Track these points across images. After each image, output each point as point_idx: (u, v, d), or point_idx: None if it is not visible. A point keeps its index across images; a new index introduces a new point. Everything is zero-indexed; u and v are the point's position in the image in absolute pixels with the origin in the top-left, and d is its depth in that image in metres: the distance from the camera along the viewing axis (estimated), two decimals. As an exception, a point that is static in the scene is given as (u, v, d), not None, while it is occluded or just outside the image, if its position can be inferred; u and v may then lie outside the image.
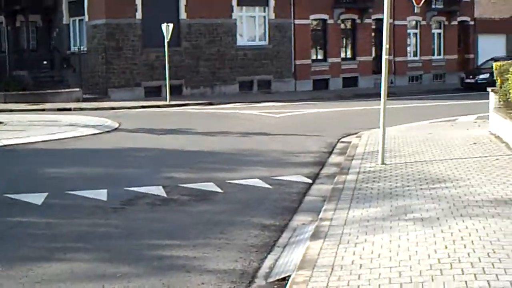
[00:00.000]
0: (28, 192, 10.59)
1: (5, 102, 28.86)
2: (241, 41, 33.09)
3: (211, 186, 11.04)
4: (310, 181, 11.64)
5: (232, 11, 32.62)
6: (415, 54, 39.48)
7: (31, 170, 12.95)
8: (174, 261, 7.26)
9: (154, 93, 30.19)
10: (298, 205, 9.94)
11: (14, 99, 29.26)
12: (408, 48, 38.97)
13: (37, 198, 10.20)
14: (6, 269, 6.97)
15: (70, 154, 15.11)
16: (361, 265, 6.31)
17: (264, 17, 33.87)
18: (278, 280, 6.65)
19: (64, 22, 32.79)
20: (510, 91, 13.26)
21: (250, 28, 33.71)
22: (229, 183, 11.36)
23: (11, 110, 26.20)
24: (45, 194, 10.45)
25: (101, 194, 10.46)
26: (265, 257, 7.42)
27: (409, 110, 24.48)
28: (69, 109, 26.39)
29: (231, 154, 14.73)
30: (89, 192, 10.60)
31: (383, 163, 11.91)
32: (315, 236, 7.45)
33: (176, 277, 6.76)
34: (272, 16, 33.78)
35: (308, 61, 35.09)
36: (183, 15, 31.25)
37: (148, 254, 7.53)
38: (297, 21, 34.46)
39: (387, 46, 11.81)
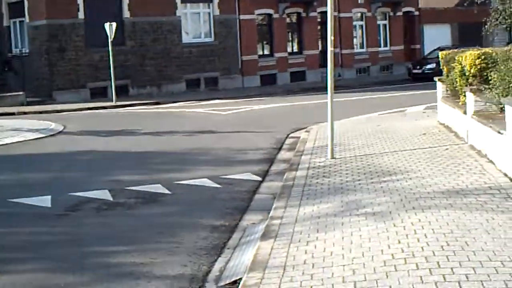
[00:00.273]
0: (-35, 202, 10.19)
1: None
2: (186, 38, 32.74)
3: (158, 188, 10.77)
4: (259, 178, 11.45)
5: (176, 8, 32.23)
6: (361, 46, 39.55)
7: (-29, 178, 12.51)
8: (121, 269, 7.00)
9: (100, 94, 29.64)
10: (248, 204, 9.75)
11: (-46, 104, 28.46)
12: (355, 40, 39.02)
13: (-23, 208, 9.82)
14: None
15: (12, 160, 14.65)
16: (313, 264, 6.14)
17: (209, 13, 33.56)
18: (229, 283, 6.44)
19: (5, 24, 32.02)
20: (457, 80, 13.26)
21: (195, 25, 33.37)
22: (177, 184, 11.11)
23: (-48, 116, 25.47)
24: (-15, 203, 10.07)
25: (45, 201, 10.11)
26: (215, 260, 7.21)
27: (358, 102, 24.49)
28: (13, 113, 25.72)
29: (179, 154, 14.46)
30: (32, 199, 10.23)
31: (332, 157, 11.77)
32: (265, 235, 7.26)
33: (123, 285, 6.51)
34: (217, 12, 33.49)
35: (255, 57, 34.90)
36: (126, 13, 30.77)
37: (94, 262, 7.25)
38: (242, 17, 34.24)
39: (332, 38, 11.67)
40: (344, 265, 6.01)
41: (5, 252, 7.68)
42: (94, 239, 8.14)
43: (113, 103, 27.38)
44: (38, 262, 7.29)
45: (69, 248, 7.76)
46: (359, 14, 39.11)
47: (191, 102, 27.69)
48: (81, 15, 29.37)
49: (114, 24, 27.08)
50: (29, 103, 28.30)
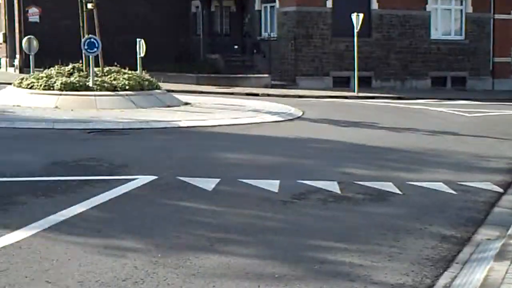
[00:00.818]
0: (200, 177, 10.35)
1: (197, 84, 29.58)
2: (435, 34, 31.70)
3: (389, 186, 10.25)
4: (501, 190, 10.51)
5: (426, 3, 31.31)
6: None
7: (206, 154, 12.81)
8: (337, 267, 6.63)
9: (342, 83, 29.62)
10: (485, 216, 8.91)
11: (206, 81, 29.92)
12: None
13: (208, 184, 9.92)
14: (163, 256, 6.67)
15: (248, 140, 14.89)
16: (554, 298, 5.36)
17: (461, 10, 32.22)
18: (452, 303, 5.83)
19: (256, 8, 32.99)
20: None
21: (445, 21, 32.18)
22: (410, 184, 10.52)
23: (201, 92, 26.73)
24: (217, 180, 10.16)
25: (273, 185, 10.00)
26: (441, 274, 6.58)
27: None
28: (257, 95, 26.47)
29: (415, 153, 13.82)
30: (261, 181, 10.18)
31: None
32: (500, 255, 6.52)
33: (337, 285, 6.13)
34: (470, 9, 32.05)
35: (508, 59, 32.92)
36: (374, 5, 30.41)
37: (310, 255, 6.95)
38: (497, 16, 32.41)
39: None
40: None
41: (226, 233, 7.62)
42: (315, 231, 7.85)
43: (354, 94, 27.21)
44: (255, 248, 7.14)
45: (288, 238, 7.54)
46: None
47: (434, 100, 26.73)
48: (329, 4, 29.50)
49: (361, 15, 26.80)
50: (273, 86, 28.96)
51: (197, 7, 35.23)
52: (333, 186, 10.11)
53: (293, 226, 8.04)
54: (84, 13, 20.61)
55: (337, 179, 10.62)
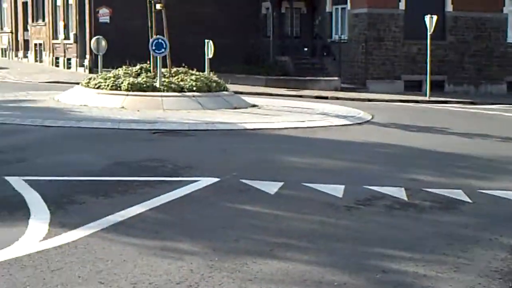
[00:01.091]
0: (263, 180, 10.17)
1: (266, 86, 29.50)
2: (512, 37, 30.81)
3: (459, 194, 9.85)
4: None
5: (504, 5, 30.39)
6: None
7: (270, 156, 12.63)
8: (400, 277, 6.33)
9: (413, 87, 29.05)
10: (560, 228, 8.46)
11: (275, 83, 29.81)
12: None
13: (271, 187, 9.72)
14: (220, 260, 6.50)
15: (314, 144, 14.64)
16: None
17: (540, 12, 31.25)
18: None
19: (327, 10, 32.69)
20: None
21: (523, 24, 31.25)
22: (481, 192, 10.09)
23: (270, 94, 26.62)
24: (280, 184, 9.96)
25: (337, 190, 9.73)
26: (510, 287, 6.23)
27: None
28: (326, 98, 26.20)
29: (488, 160, 13.31)
30: (325, 186, 9.93)
31: None
32: None
33: (401, 297, 5.85)
34: (549, 11, 31.06)
35: None
36: (449, 7, 29.71)
37: (373, 264, 6.66)
38: None
39: None
40: None
41: (287, 238, 7.40)
42: (379, 239, 7.55)
43: (426, 98, 26.64)
44: (316, 254, 6.89)
45: (350, 245, 7.27)
46: None
47: (510, 105, 25.90)
48: (401, 5, 28.96)
49: (434, 17, 26.18)
50: (342, 89, 28.64)
51: (267, 8, 35.13)
52: (399, 193, 9.78)
53: (356, 233, 7.77)
54: (153, 13, 20.72)
55: (404, 185, 10.28)
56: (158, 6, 20.57)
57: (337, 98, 25.89)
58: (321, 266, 6.54)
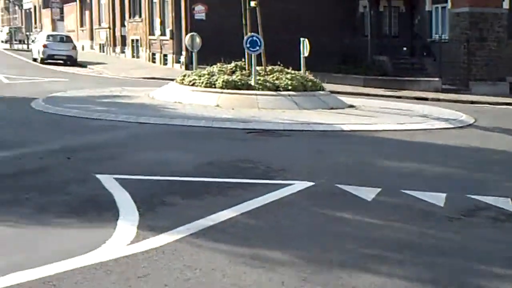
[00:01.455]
0: (360, 185, 9.73)
1: (364, 86, 28.94)
2: None
3: None
4: None
5: None
6: None
7: (368, 160, 12.15)
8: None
9: (520, 89, 27.88)
10: None
11: (373, 83, 29.21)
12: None
13: (368, 193, 9.28)
14: (313, 272, 6.14)
15: (413, 148, 14.06)
16: None
17: None
18: None
19: (427, 8, 31.77)
20: None
21: None
22: None
23: (367, 95, 26.07)
24: (378, 190, 9.49)
25: (439, 199, 9.19)
26: None
27: None
28: (426, 99, 25.42)
29: None
30: (425, 194, 9.39)
31: None
32: None
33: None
34: None
35: None
36: (559, 5, 28.37)
37: (476, 282, 6.17)
38: None
39: None
40: None
41: (383, 249, 6.96)
42: (483, 253, 7.02)
43: (532, 101, 25.46)
44: (414, 269, 6.43)
45: (452, 259, 6.77)
46: None
47: None
48: (505, 4, 27.79)
49: (542, 16, 24.97)
50: (443, 90, 27.76)
51: (365, 7, 34.46)
52: (505, 203, 9.16)
53: (458, 247, 7.26)
54: (247, 10, 20.50)
55: (510, 195, 9.63)
56: (252, 3, 20.32)
57: (438, 100, 25.06)
58: (420, 282, 6.11)
